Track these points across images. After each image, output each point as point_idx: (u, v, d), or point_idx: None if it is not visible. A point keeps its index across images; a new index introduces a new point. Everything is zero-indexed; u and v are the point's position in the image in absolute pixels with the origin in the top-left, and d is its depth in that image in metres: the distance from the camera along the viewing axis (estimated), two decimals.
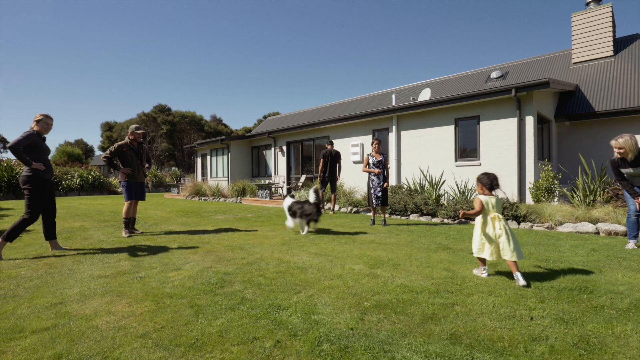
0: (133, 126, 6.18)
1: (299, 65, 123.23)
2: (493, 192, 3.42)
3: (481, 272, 3.40)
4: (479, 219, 3.41)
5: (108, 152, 5.91)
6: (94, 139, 76.91)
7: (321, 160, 9.46)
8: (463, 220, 7.28)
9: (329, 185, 9.63)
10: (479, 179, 3.46)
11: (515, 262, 3.17)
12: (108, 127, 53.86)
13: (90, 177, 20.03)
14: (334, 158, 9.44)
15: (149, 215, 9.04)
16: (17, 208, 10.89)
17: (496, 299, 2.75)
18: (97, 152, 58.04)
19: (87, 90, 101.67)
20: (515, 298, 2.77)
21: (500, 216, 3.32)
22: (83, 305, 2.68)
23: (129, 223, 6.01)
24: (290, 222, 5.90)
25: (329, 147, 9.62)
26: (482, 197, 3.37)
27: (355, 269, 3.64)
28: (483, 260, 3.40)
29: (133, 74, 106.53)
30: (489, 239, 3.30)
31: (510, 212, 6.91)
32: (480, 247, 3.34)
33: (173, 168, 40.47)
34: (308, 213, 5.63)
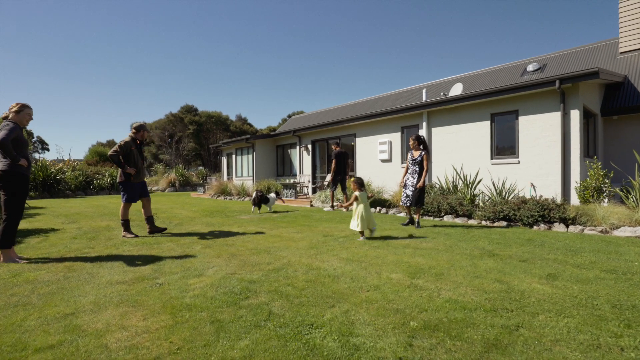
0: (139, 124, 5.90)
1: (323, 64, 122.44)
2: (361, 189, 5.35)
3: (360, 239, 5.18)
4: (359, 207, 5.20)
5: (117, 147, 5.57)
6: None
7: (334, 161, 9.66)
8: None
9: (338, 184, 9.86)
10: (354, 181, 5.40)
11: (371, 230, 5.30)
12: None
13: None
14: (345, 158, 9.77)
15: (174, 214, 8.95)
16: (51, 207, 11.13)
17: (569, 320, 2.30)
18: None
19: (120, 88, 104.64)
20: (592, 320, 2.31)
21: (366, 203, 5.24)
22: (95, 317, 2.44)
23: (129, 223, 5.77)
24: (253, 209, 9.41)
25: (337, 148, 9.89)
26: (357, 193, 5.26)
27: (394, 279, 3.25)
28: (362, 232, 5.24)
29: (161, 75, 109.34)
30: (361, 219, 5.16)
31: (557, 214, 6.28)
32: (358, 224, 5.17)
33: (199, 167, 41.06)
34: (253, 202, 9.27)
